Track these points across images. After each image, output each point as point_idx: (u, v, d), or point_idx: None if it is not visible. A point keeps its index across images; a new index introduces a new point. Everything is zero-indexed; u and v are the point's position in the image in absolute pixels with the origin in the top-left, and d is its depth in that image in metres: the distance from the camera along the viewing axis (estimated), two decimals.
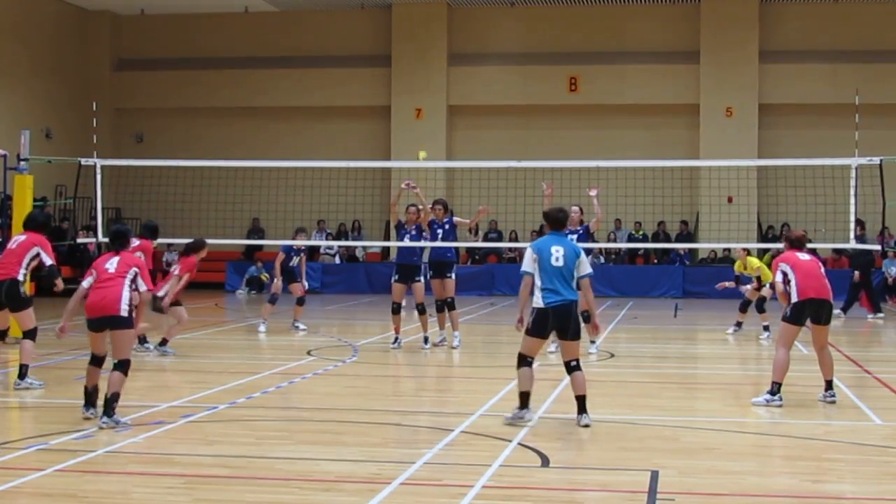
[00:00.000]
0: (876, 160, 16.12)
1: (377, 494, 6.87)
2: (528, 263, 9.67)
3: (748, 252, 18.05)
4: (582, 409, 9.41)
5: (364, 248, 30.93)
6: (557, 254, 9.53)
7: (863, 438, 8.98)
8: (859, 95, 20.37)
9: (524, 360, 9.60)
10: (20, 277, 11.45)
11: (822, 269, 11.06)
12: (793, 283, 10.73)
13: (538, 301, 9.50)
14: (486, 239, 30.02)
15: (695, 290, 27.93)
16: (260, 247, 30.13)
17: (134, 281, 9.89)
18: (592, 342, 14.81)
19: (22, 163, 15.86)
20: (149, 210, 29.33)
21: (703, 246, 28.92)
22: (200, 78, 32.69)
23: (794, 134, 30.21)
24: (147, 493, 7.00)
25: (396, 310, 15.38)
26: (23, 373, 11.27)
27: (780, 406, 10.66)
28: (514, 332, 14.42)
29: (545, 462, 7.90)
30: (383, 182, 30.49)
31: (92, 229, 24.33)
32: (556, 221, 9.90)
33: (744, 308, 17.99)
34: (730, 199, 27.61)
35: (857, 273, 22.16)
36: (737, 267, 18.33)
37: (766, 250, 28.68)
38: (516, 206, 28.02)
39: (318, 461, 8.01)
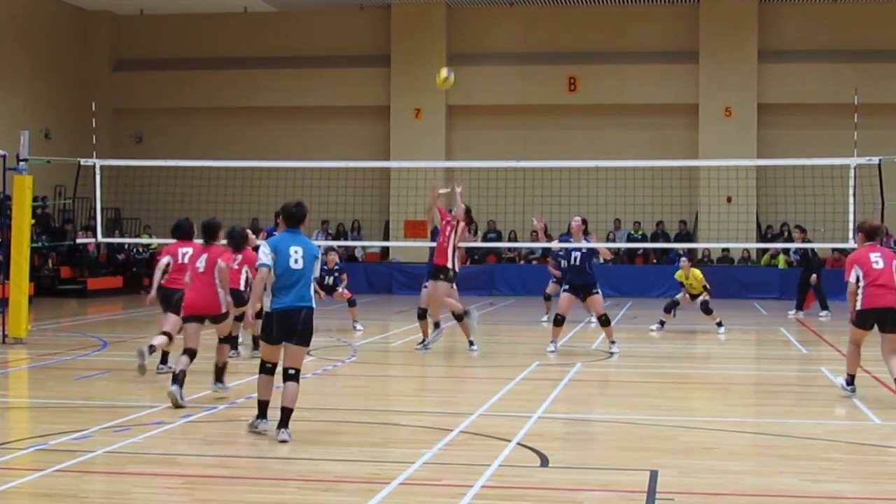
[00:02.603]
0: (875, 160, 16.14)
1: (376, 494, 6.87)
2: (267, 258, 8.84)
3: (691, 264, 18.81)
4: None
5: (363, 248, 30.94)
6: (297, 255, 8.81)
7: (862, 438, 8.99)
8: (858, 95, 20.38)
9: (264, 367, 8.93)
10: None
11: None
12: (860, 288, 10.83)
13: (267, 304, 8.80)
14: (485, 239, 30.02)
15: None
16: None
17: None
18: (613, 342, 14.91)
19: (21, 163, 15.85)
20: (148, 210, 29.38)
21: (703, 246, 28.92)
22: (199, 78, 32.68)
23: (793, 134, 30.21)
24: (147, 493, 7.00)
25: (422, 315, 15.24)
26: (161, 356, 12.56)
27: (851, 393, 11.02)
28: (513, 331, 14.42)
29: (544, 462, 7.91)
30: (382, 182, 30.49)
31: (91, 229, 24.35)
32: (291, 217, 9.02)
33: (669, 309, 18.63)
34: (729, 199, 27.63)
35: (814, 276, 22.24)
36: (678, 275, 18.76)
37: (765, 250, 28.77)
38: (515, 205, 28.04)
39: (318, 461, 8.01)
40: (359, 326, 18.29)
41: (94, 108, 20.78)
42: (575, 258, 14.89)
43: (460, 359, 14.70)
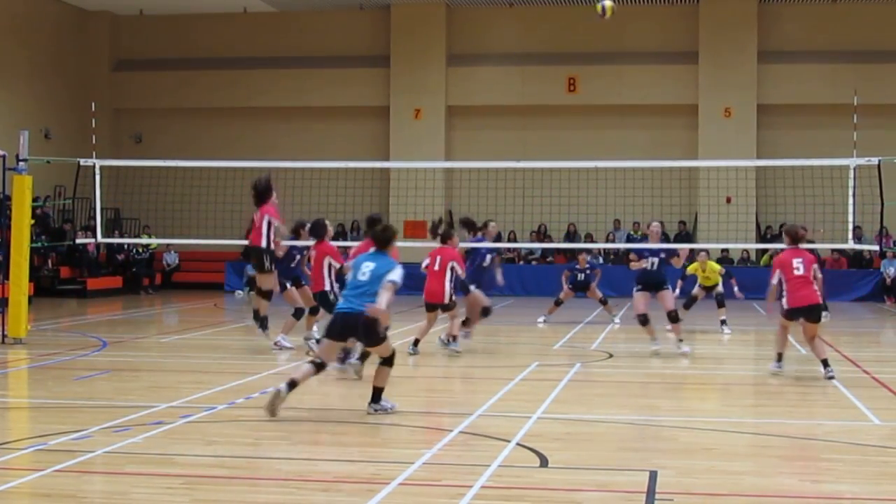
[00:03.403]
0: (874, 160, 16.13)
1: (376, 495, 6.87)
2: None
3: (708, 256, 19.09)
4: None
5: None
6: (368, 268, 9.76)
7: (861, 438, 8.98)
8: (858, 96, 20.38)
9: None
10: (326, 288, 13.47)
11: (815, 272, 12.76)
12: (785, 290, 12.43)
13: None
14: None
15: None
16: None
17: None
18: (681, 340, 15.04)
19: (21, 163, 15.84)
20: (148, 210, 29.39)
21: (702, 246, 28.87)
22: (199, 78, 32.69)
23: (792, 134, 30.22)
24: (146, 493, 7.00)
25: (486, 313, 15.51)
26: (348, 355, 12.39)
27: (780, 370, 12.72)
28: (513, 332, 14.44)
29: (544, 462, 7.91)
30: (382, 182, 30.49)
31: (91, 229, 24.34)
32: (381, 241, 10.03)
33: (689, 306, 18.93)
34: (728, 200, 27.63)
35: None
36: (692, 269, 18.93)
37: (764, 251, 28.76)
38: (515, 206, 28.06)
39: (317, 461, 8.01)
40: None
41: (93, 109, 20.78)
42: (653, 263, 15.04)
43: (460, 359, 14.70)
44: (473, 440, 8.79)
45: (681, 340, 15.07)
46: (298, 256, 15.69)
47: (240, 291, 29.13)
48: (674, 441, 9.04)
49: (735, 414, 10.58)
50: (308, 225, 14.82)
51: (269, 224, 13.88)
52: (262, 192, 13.99)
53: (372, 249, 10.10)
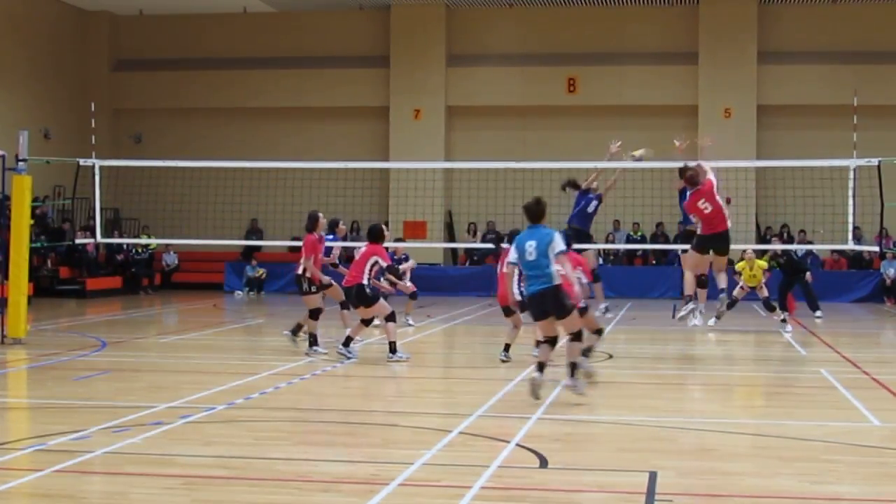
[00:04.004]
0: (874, 161, 16.15)
1: (375, 495, 6.87)
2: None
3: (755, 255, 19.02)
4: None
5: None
6: (531, 248, 10.39)
7: (861, 439, 8.98)
8: (857, 97, 20.40)
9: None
10: (364, 282, 13.75)
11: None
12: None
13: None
14: (484, 240, 30.01)
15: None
16: (258, 247, 30.14)
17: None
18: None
19: (20, 163, 15.84)
20: (147, 210, 29.39)
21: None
22: (199, 78, 32.68)
23: (792, 135, 30.22)
24: (145, 493, 7.00)
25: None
26: (392, 348, 13.75)
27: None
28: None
29: (544, 463, 7.90)
30: (382, 183, 30.49)
31: (90, 230, 24.33)
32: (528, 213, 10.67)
33: (731, 306, 18.60)
34: (728, 200, 27.55)
35: (808, 274, 22.18)
36: (740, 266, 18.80)
37: (764, 251, 28.73)
38: (515, 206, 27.88)
39: (317, 462, 8.01)
40: (410, 321, 18.93)
41: (93, 109, 20.78)
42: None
43: (459, 360, 14.70)
44: (473, 441, 8.78)
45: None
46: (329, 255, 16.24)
47: (239, 292, 29.14)
48: (673, 442, 9.04)
49: (735, 415, 10.58)
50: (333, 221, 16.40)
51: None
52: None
53: (528, 226, 10.67)
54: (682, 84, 30.76)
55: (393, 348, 13.86)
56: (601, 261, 29.26)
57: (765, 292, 18.80)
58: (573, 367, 10.58)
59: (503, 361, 13.74)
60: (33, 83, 30.33)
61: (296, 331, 14.98)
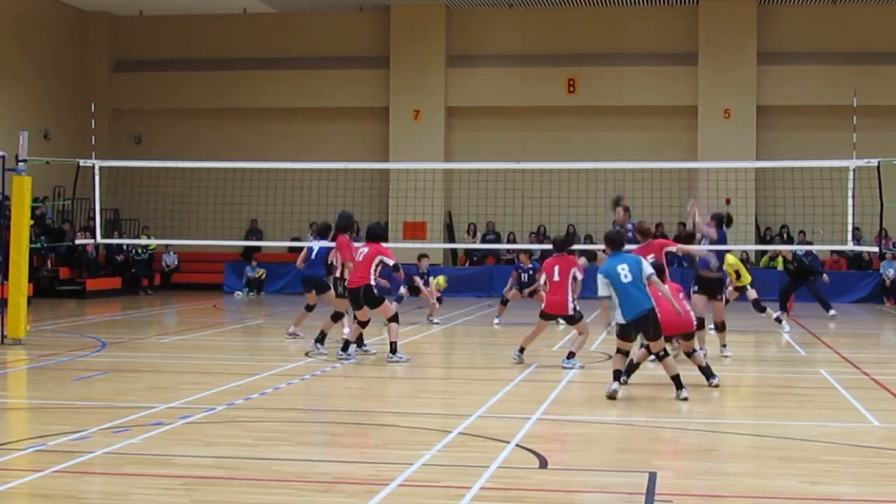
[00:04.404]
0: (874, 162, 16.15)
1: (375, 496, 6.87)
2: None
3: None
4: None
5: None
6: (624, 271, 10.92)
7: (860, 440, 8.98)
8: (857, 97, 20.39)
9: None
10: (371, 282, 13.78)
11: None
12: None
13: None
14: (484, 240, 30.04)
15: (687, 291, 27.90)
16: (258, 248, 30.14)
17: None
18: (724, 346, 15.06)
19: (20, 164, 15.85)
20: (147, 211, 29.39)
21: (701, 248, 28.90)
22: (199, 79, 32.69)
23: (792, 136, 30.23)
24: (145, 494, 7.00)
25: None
26: (393, 348, 13.83)
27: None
28: (512, 333, 14.45)
29: (543, 464, 7.91)
30: (382, 183, 30.49)
31: (90, 230, 24.34)
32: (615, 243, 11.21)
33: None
34: (728, 201, 27.61)
35: (826, 276, 22.24)
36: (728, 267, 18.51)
37: (764, 252, 28.78)
38: (514, 207, 28.06)
39: (316, 462, 8.01)
40: (435, 320, 19.83)
41: (93, 109, 20.79)
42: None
43: (459, 360, 14.70)
44: (473, 441, 8.79)
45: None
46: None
47: (239, 292, 29.14)
48: (673, 442, 9.04)
49: (734, 415, 10.58)
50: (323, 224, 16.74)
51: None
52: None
53: (611, 252, 11.17)
54: (681, 85, 30.77)
55: (394, 349, 13.87)
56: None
57: (753, 294, 18.62)
58: (675, 379, 11.02)
59: (566, 368, 13.23)
60: (33, 84, 30.33)
61: (321, 339, 14.80)
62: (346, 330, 15.25)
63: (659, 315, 10.99)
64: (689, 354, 11.77)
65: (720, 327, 15.08)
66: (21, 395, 11.69)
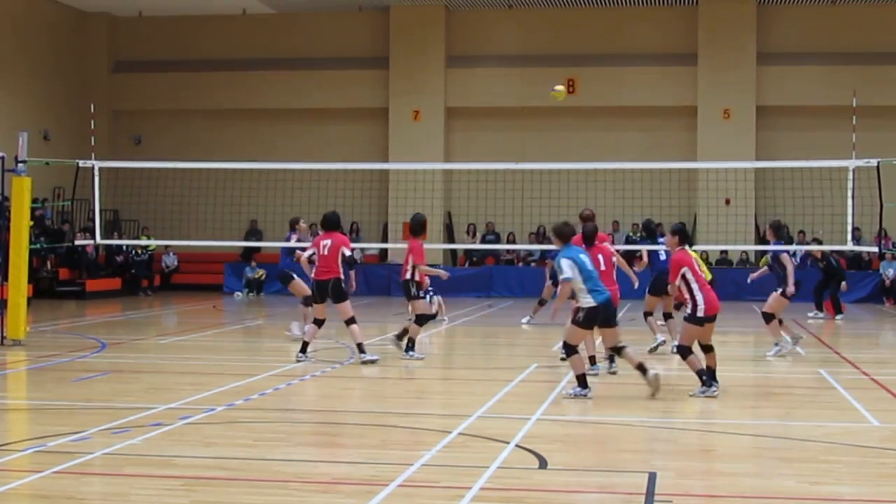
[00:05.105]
0: (873, 162, 16.15)
1: (375, 496, 6.87)
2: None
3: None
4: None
5: (362, 250, 30.92)
6: (587, 259, 11.24)
7: (860, 440, 8.98)
8: (857, 97, 20.40)
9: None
10: (341, 275, 13.74)
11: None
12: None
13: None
14: (483, 241, 30.03)
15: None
16: (258, 248, 30.14)
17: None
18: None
19: (20, 164, 15.85)
20: (147, 212, 29.40)
21: (701, 248, 28.93)
22: (198, 80, 32.68)
23: (791, 136, 30.23)
24: (145, 494, 7.00)
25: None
26: (362, 349, 13.72)
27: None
28: (511, 333, 14.44)
29: (543, 464, 7.91)
30: (381, 184, 30.49)
31: (90, 231, 24.34)
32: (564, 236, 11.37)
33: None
34: (727, 201, 27.64)
35: (844, 283, 22.45)
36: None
37: (763, 252, 28.74)
38: (514, 207, 28.07)
39: (316, 463, 8.01)
40: (444, 318, 20.23)
41: (92, 110, 20.80)
42: None
43: (459, 361, 14.70)
44: (473, 442, 8.79)
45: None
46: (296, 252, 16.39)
47: (239, 293, 29.13)
48: (673, 443, 9.04)
49: (734, 415, 10.58)
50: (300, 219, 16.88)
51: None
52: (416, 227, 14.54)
53: (561, 245, 11.34)
54: (681, 85, 30.77)
55: (362, 349, 13.83)
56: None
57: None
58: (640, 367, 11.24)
59: (612, 374, 12.93)
60: (33, 84, 30.33)
61: (401, 335, 14.65)
62: (296, 328, 15.78)
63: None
64: (619, 350, 11.52)
65: (668, 315, 15.31)
66: (21, 395, 11.69)
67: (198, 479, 7.45)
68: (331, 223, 14.02)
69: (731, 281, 28.02)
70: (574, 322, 11.13)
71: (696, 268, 11.51)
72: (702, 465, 8.01)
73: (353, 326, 13.82)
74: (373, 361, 13.69)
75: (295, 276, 16.11)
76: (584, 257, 11.23)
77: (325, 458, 8.21)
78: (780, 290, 14.88)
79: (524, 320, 20.12)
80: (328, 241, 13.82)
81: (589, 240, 12.84)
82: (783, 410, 10.84)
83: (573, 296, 11.03)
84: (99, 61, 33.02)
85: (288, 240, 16.88)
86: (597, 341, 13.24)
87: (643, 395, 11.43)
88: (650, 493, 7.06)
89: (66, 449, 8.23)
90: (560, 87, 18.22)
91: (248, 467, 7.73)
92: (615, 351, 11.50)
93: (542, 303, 19.91)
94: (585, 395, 10.97)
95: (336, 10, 32.25)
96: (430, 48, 31.50)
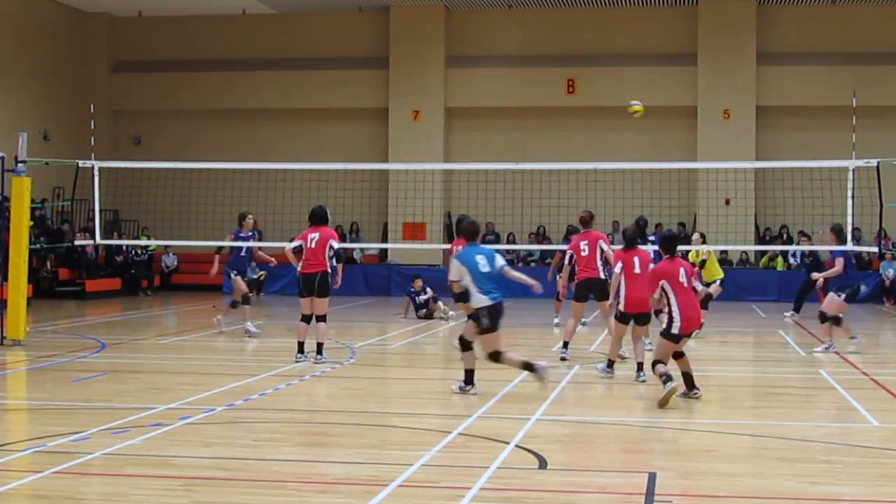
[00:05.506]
0: (873, 162, 16.16)
1: (375, 496, 6.87)
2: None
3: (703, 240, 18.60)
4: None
5: (362, 250, 30.94)
6: (482, 261, 11.25)
7: (860, 440, 8.99)
8: (856, 97, 20.40)
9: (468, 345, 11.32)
10: (328, 269, 13.83)
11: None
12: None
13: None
14: (483, 241, 29.96)
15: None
16: (258, 248, 30.11)
17: None
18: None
19: (19, 164, 15.85)
20: (147, 212, 29.39)
21: (701, 248, 28.93)
22: (198, 80, 32.68)
23: (791, 136, 30.23)
24: (145, 495, 7.00)
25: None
26: (320, 350, 13.74)
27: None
28: (511, 333, 14.43)
29: (543, 464, 7.91)
30: (381, 184, 30.49)
31: (90, 231, 24.33)
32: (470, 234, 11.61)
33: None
34: (727, 202, 27.63)
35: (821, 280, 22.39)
36: (691, 256, 18.12)
37: (763, 252, 28.80)
38: (514, 208, 28.06)
39: (316, 463, 8.01)
40: (451, 313, 20.53)
41: (92, 110, 20.80)
42: None
43: (458, 361, 14.68)
44: (472, 442, 8.79)
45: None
46: (245, 248, 17.55)
47: None
48: (673, 443, 9.04)
49: (734, 416, 10.58)
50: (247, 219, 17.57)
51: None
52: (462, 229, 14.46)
53: (466, 243, 11.57)
54: (681, 85, 30.77)
55: (320, 349, 13.86)
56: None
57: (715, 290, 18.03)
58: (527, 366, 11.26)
59: (641, 382, 12.38)
60: (33, 84, 30.33)
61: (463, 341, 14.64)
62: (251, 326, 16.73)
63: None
64: (497, 357, 11.29)
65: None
66: (20, 396, 11.69)
67: (197, 479, 7.45)
68: (318, 217, 14.10)
69: (731, 281, 27.97)
70: (471, 319, 11.24)
71: (682, 280, 10.86)
72: (702, 465, 8.01)
73: (322, 325, 13.90)
74: (327, 362, 13.63)
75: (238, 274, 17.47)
76: (480, 258, 11.20)
77: (325, 458, 8.21)
78: (838, 292, 15.10)
79: (555, 321, 19.90)
80: (316, 235, 13.90)
81: (630, 242, 12.69)
82: (783, 410, 10.84)
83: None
84: (99, 61, 33.02)
85: (236, 235, 17.56)
86: (646, 343, 13.38)
87: (643, 395, 11.44)
88: (650, 494, 7.06)
89: (66, 449, 8.23)
90: (636, 103, 18.33)
91: (248, 467, 7.73)
92: (492, 357, 11.21)
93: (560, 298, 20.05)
94: (470, 392, 11.15)
95: (336, 10, 32.25)
96: (430, 48, 31.50)
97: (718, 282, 17.70)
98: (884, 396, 11.51)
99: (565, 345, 14.27)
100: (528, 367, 11.09)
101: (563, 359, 14.01)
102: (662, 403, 10.45)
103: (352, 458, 8.18)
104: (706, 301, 17.39)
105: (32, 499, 6.93)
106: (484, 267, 11.19)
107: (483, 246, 11.68)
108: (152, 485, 7.25)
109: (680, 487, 7.27)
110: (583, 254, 14.06)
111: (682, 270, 10.96)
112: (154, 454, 8.13)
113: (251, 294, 18.72)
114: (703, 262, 17.61)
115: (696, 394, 11.00)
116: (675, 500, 6.93)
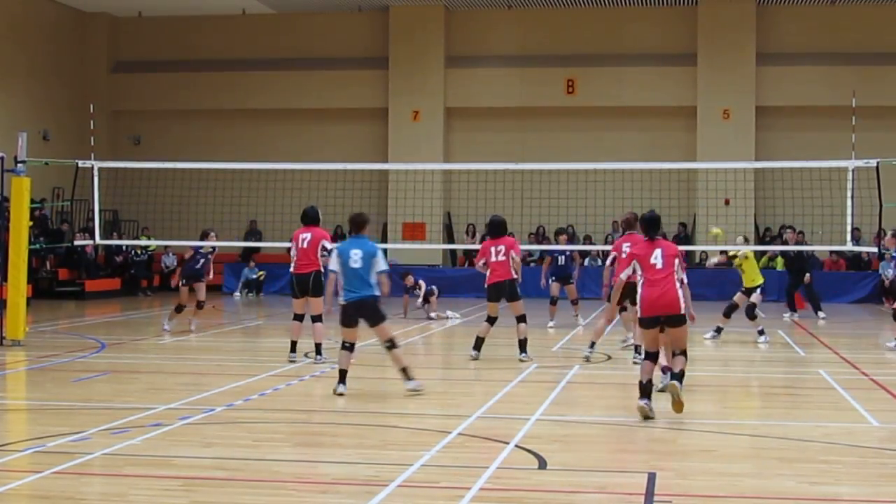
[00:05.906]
0: (872, 162, 16.16)
1: (374, 497, 6.87)
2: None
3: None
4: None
5: None
6: (356, 256, 11.08)
7: (859, 440, 8.98)
8: (856, 98, 20.40)
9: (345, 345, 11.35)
10: (321, 268, 13.76)
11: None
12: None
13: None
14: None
15: (692, 292, 27.87)
16: (257, 249, 30.14)
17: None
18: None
19: (19, 165, 15.85)
20: (146, 212, 29.38)
21: (701, 248, 28.94)
22: (198, 80, 32.68)
23: (791, 136, 30.23)
24: (144, 495, 7.00)
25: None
26: (319, 350, 13.80)
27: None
28: (510, 333, 14.45)
29: (542, 464, 7.91)
30: (381, 184, 30.47)
31: (89, 231, 24.33)
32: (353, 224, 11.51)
33: (728, 313, 17.88)
34: (727, 202, 27.62)
35: (808, 276, 22.47)
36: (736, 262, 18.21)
37: (763, 253, 28.75)
38: (513, 208, 28.00)
39: (316, 463, 8.01)
40: (450, 313, 21.09)
41: (92, 110, 20.79)
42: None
43: (458, 361, 14.69)
44: (472, 442, 8.78)
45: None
46: (202, 260, 18.05)
47: (237, 294, 29.13)
48: (672, 443, 9.04)
49: (733, 416, 10.58)
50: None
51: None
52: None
53: (354, 234, 11.43)
54: (680, 85, 30.77)
55: (319, 350, 13.93)
56: (600, 262, 29.31)
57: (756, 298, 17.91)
58: (403, 371, 11.45)
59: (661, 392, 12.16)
60: (32, 85, 30.32)
61: (524, 343, 14.59)
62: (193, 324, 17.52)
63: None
64: (390, 348, 11.53)
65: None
66: (20, 396, 11.69)
67: (197, 479, 7.45)
68: (310, 218, 14.11)
69: (732, 281, 28.00)
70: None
71: (653, 261, 10.12)
72: (702, 465, 8.01)
73: (319, 325, 13.89)
74: (327, 362, 13.60)
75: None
76: (355, 253, 11.09)
77: (325, 458, 8.20)
78: None
79: (550, 324, 19.96)
80: (308, 235, 13.95)
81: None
82: (783, 410, 10.84)
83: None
84: (98, 61, 33.02)
85: (197, 249, 18.08)
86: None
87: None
88: (650, 494, 7.05)
89: (66, 449, 8.23)
90: (716, 230, 18.31)
91: (248, 467, 7.72)
92: (386, 347, 11.44)
93: (554, 302, 20.03)
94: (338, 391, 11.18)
95: (336, 10, 32.25)
96: (430, 48, 31.50)
97: (759, 290, 17.64)
98: (884, 396, 11.51)
99: (592, 344, 14.38)
100: (405, 372, 11.29)
101: (586, 358, 14.10)
102: (676, 408, 9.80)
103: (351, 458, 8.18)
104: (751, 311, 17.51)
105: (32, 499, 6.93)
106: (355, 263, 11.10)
107: (372, 243, 11.38)
108: (152, 485, 7.25)
109: (679, 487, 7.27)
110: (624, 256, 13.39)
111: (657, 251, 10.21)
112: (154, 454, 8.13)
113: (250, 294, 19.05)
114: (739, 265, 17.70)
115: (662, 387, 10.44)
116: (674, 500, 6.92)
